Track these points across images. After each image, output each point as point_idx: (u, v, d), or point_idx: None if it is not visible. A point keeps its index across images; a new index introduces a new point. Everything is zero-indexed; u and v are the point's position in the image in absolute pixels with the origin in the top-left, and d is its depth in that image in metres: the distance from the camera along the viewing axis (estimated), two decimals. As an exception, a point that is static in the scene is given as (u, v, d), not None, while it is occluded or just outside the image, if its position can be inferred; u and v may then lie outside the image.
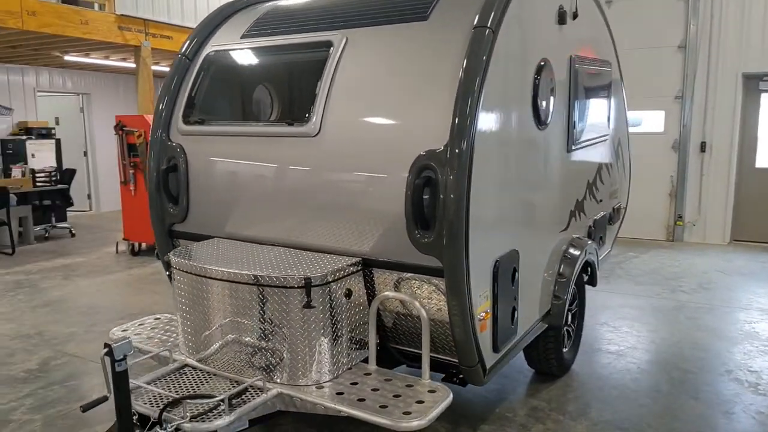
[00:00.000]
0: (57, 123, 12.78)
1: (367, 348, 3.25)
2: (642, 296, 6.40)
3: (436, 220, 2.92)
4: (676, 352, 4.87)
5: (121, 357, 2.54)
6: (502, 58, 3.11)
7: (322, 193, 3.36)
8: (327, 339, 3.04)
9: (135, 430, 2.64)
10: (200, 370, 3.23)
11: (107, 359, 2.53)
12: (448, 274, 2.91)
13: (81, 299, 6.51)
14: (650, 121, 9.36)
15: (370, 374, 3.14)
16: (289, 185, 3.49)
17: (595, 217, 4.88)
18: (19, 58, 10.98)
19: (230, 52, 3.94)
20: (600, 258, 4.97)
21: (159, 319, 4.01)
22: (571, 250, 4.19)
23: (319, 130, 3.35)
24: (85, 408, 2.63)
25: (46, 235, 10.20)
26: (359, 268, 3.23)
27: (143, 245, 8.82)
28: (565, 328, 4.30)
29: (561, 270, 4.09)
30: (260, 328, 3.04)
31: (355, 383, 3.03)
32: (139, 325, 3.91)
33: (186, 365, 3.27)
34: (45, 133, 11.42)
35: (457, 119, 2.84)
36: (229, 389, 2.93)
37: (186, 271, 3.25)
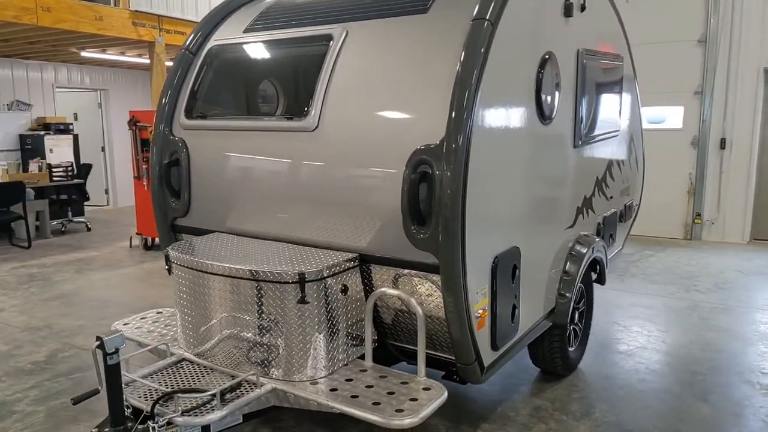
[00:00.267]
0: (75, 119, 12.95)
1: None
2: (655, 295, 6.28)
3: (432, 216, 2.87)
4: (687, 352, 4.76)
5: (113, 350, 2.55)
6: (502, 51, 3.04)
7: (321, 187, 3.33)
8: (322, 335, 3.02)
9: (127, 423, 2.64)
10: (198, 364, 3.23)
11: (99, 352, 2.54)
12: (443, 271, 2.86)
13: (92, 293, 6.57)
14: (669, 117, 9.18)
15: (365, 371, 3.11)
16: (288, 180, 3.47)
17: (605, 214, 4.79)
18: (38, 55, 11.13)
19: (232, 47, 3.93)
20: (610, 256, 4.88)
21: (161, 312, 4.03)
22: (578, 248, 4.11)
23: (318, 124, 3.32)
24: (77, 400, 2.64)
25: (63, 229, 10.33)
26: (356, 263, 3.20)
27: (156, 240, 8.89)
28: (571, 327, 4.22)
29: (567, 267, 4.02)
30: (257, 324, 3.03)
31: (350, 379, 3.00)
32: (141, 318, 3.92)
33: (184, 359, 3.28)
34: (63, 129, 11.57)
35: (453, 113, 2.79)
36: (224, 384, 2.92)
37: (184, 266, 3.25)
